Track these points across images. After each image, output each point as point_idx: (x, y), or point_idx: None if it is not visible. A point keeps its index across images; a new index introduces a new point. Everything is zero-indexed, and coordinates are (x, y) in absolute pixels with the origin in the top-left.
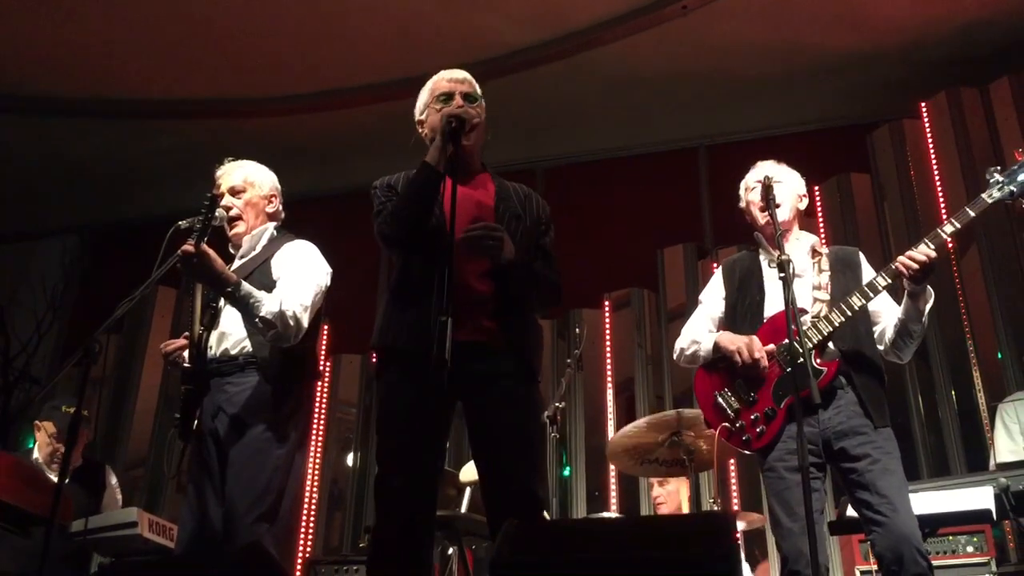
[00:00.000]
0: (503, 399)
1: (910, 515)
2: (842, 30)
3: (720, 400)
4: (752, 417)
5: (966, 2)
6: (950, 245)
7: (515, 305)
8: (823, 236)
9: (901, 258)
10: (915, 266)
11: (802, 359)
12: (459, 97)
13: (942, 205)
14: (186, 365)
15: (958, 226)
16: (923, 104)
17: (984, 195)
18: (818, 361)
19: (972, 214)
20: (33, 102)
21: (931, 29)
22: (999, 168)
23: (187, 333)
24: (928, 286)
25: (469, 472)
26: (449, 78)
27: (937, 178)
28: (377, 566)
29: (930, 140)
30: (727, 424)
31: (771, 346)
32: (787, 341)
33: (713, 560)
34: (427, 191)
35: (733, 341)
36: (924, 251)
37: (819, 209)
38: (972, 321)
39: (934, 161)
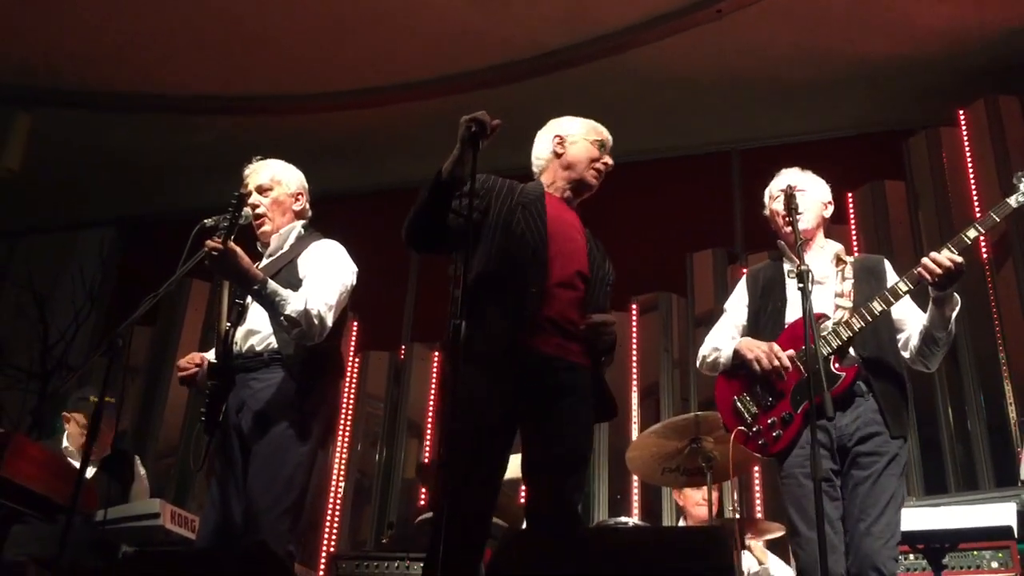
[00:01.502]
0: (570, 415)
1: (883, 535)
2: (880, 36)
3: (739, 404)
4: (769, 422)
5: (1006, 10)
6: (985, 255)
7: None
8: (855, 243)
9: (924, 261)
10: (937, 271)
11: (818, 367)
12: (608, 158)
13: (978, 214)
14: (211, 361)
15: (982, 231)
16: (961, 112)
17: (1010, 199)
18: (836, 366)
19: (996, 219)
20: (73, 96)
21: (970, 36)
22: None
23: (198, 357)
24: (955, 293)
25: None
26: (608, 136)
27: (973, 187)
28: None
29: (967, 148)
30: (743, 428)
31: (791, 351)
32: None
33: (711, 574)
34: (433, 199)
35: (752, 348)
36: (947, 255)
37: (852, 216)
38: (1005, 334)
39: (970, 169)
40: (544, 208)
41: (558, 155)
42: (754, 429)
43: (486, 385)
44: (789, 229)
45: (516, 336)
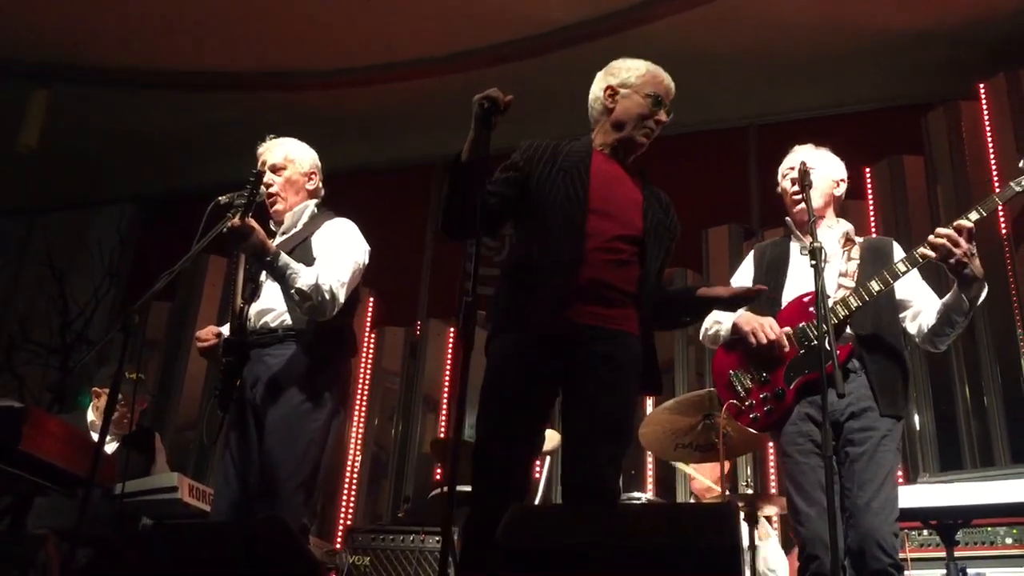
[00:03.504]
0: (608, 386)
1: (883, 510)
2: (899, 8)
3: (733, 379)
4: (761, 396)
5: None
6: (1004, 231)
7: (641, 307)
8: (872, 218)
9: (929, 239)
10: (932, 254)
11: (826, 340)
12: (663, 114)
13: (997, 189)
14: (226, 337)
15: (984, 214)
16: (981, 85)
17: (1012, 183)
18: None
19: (999, 202)
20: (93, 72)
21: (991, 9)
22: None
23: (218, 328)
24: (984, 281)
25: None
26: (669, 85)
27: (993, 161)
28: (471, 535)
29: (987, 122)
30: (735, 401)
31: (787, 329)
32: (803, 324)
33: (714, 552)
34: (456, 185)
35: (750, 321)
36: (945, 234)
37: (869, 191)
38: (1023, 309)
39: (990, 144)
40: (587, 171)
41: (608, 109)
42: (746, 403)
43: (519, 361)
44: (799, 207)
45: (551, 310)
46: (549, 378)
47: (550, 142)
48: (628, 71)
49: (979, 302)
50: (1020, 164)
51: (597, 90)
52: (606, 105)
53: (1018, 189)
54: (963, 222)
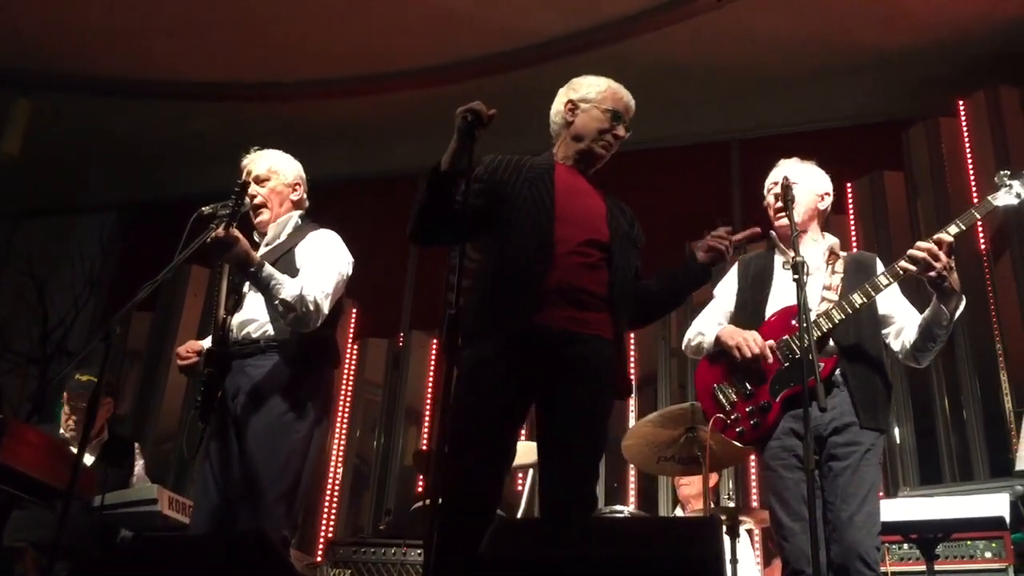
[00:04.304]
0: (581, 392)
1: (867, 525)
2: (880, 25)
3: (718, 392)
4: (747, 409)
5: (1007, 0)
6: (983, 247)
7: (614, 310)
8: (854, 234)
9: (909, 252)
10: (912, 268)
11: (808, 354)
12: (622, 129)
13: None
14: (208, 347)
15: (963, 228)
16: (961, 102)
17: (990, 198)
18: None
19: (977, 216)
20: (75, 81)
21: (971, 26)
22: (1008, 173)
23: (199, 346)
24: (961, 293)
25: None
26: (629, 102)
27: (972, 178)
28: (445, 545)
29: (967, 139)
30: (721, 415)
31: (771, 342)
32: (786, 337)
33: (697, 564)
34: (433, 194)
35: (734, 335)
36: (925, 245)
37: (851, 207)
38: (1002, 324)
39: (970, 160)
40: (552, 181)
41: (568, 122)
42: (732, 417)
43: (492, 366)
44: (782, 222)
45: (523, 314)
46: (523, 384)
47: (513, 156)
48: (589, 87)
49: (957, 315)
50: (996, 179)
51: (559, 104)
52: (566, 119)
53: (996, 203)
54: (943, 236)
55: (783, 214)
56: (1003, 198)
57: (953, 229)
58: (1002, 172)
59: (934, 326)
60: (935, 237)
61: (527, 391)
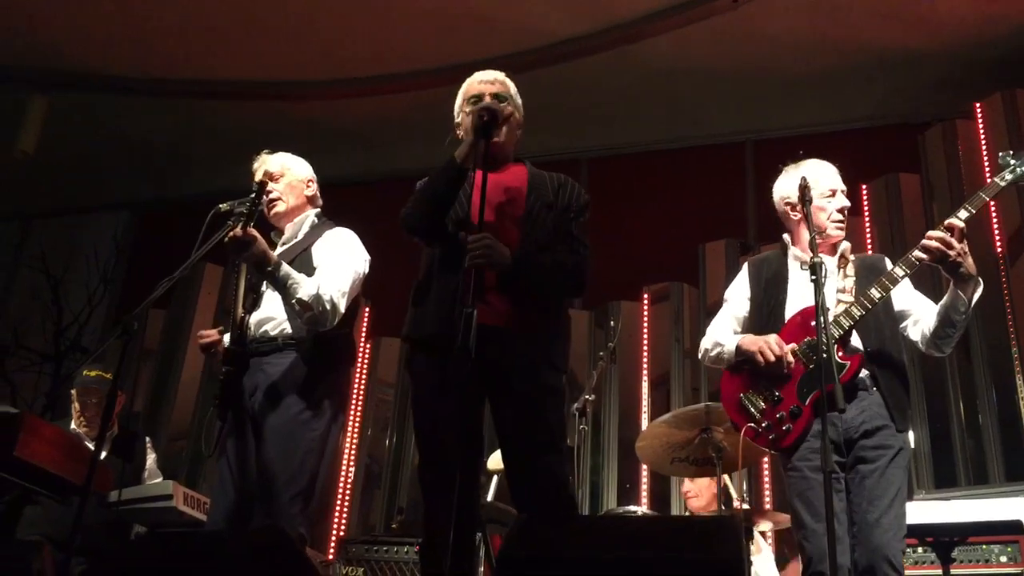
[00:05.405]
0: (521, 388)
1: (892, 527)
2: (897, 27)
3: (745, 401)
4: (778, 416)
5: (1023, 2)
6: (999, 249)
7: (527, 293)
8: (869, 236)
9: (922, 241)
10: (926, 256)
11: (826, 354)
12: (488, 98)
13: (992, 207)
14: (226, 345)
15: (972, 211)
16: (977, 105)
17: (996, 178)
18: (840, 355)
19: (986, 198)
20: (91, 79)
21: (988, 28)
22: (1010, 152)
23: (220, 327)
24: (978, 277)
25: (496, 460)
26: (480, 79)
27: (988, 180)
28: (423, 557)
29: (983, 141)
30: (752, 424)
31: (793, 344)
32: (809, 339)
33: (719, 564)
34: (447, 184)
35: (755, 342)
36: (937, 235)
37: (866, 209)
38: (1018, 327)
39: (986, 163)
40: (472, 183)
41: (461, 139)
42: (763, 425)
43: (437, 371)
44: (799, 222)
45: (452, 316)
46: (470, 386)
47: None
48: (456, 104)
49: (975, 299)
50: (999, 160)
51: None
52: (457, 129)
53: (1003, 184)
54: (954, 221)
55: (842, 225)
56: (1009, 176)
57: (963, 213)
58: (1003, 152)
59: (952, 312)
60: (946, 222)
61: (477, 393)
